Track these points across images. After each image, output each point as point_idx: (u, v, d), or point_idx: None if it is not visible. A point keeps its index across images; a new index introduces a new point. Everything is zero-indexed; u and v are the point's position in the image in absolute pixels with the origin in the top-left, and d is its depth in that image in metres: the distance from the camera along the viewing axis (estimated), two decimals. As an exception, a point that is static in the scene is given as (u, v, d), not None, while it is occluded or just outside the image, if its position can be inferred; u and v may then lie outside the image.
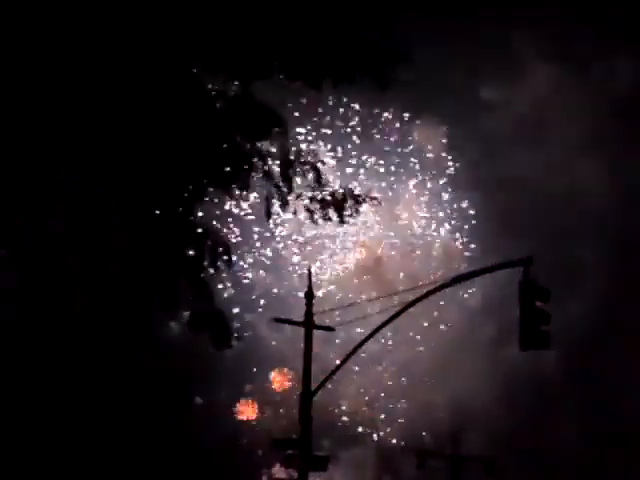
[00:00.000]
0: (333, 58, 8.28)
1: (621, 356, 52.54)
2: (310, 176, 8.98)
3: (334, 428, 60.22)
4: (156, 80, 8.04)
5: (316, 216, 9.23)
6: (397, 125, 57.01)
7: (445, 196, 68.16)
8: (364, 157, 63.69)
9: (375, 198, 9.47)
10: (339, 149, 62.58)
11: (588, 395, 54.06)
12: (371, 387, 60.27)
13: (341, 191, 9.11)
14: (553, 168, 55.72)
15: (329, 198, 8.98)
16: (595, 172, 57.18)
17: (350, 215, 9.08)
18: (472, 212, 67.48)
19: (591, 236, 56.61)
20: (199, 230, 8.86)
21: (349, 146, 62.23)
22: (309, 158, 8.99)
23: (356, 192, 9.24)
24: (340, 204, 8.99)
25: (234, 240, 55.04)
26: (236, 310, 47.48)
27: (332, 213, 9.06)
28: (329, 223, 9.23)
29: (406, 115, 64.77)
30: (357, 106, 45.57)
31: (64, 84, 7.67)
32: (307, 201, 9.14)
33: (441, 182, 67.49)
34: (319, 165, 9.04)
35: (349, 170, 63.51)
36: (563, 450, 53.17)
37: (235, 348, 9.09)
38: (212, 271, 8.94)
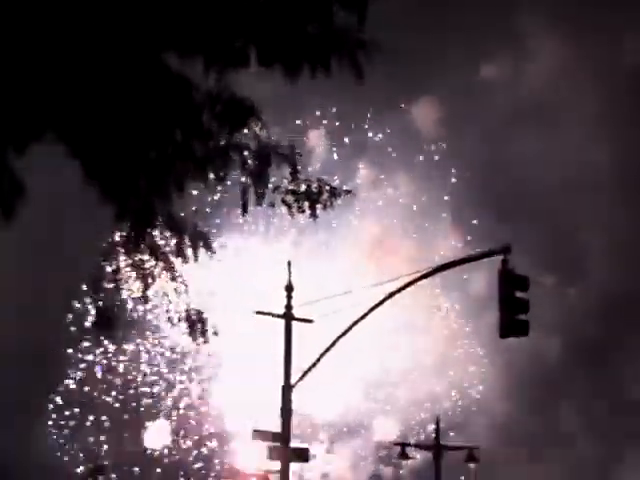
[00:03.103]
0: (308, 44, 8.40)
1: (624, 343, 52.88)
2: (285, 168, 9.12)
3: (331, 420, 60.47)
4: (128, 69, 8.17)
5: (292, 209, 9.39)
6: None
7: (442, 179, 67.72)
8: (359, 138, 63.49)
9: (350, 191, 9.62)
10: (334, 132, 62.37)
11: (591, 382, 54.45)
12: (369, 376, 60.54)
13: (315, 184, 9.24)
14: (557, 150, 55.73)
15: (303, 191, 9.12)
16: (603, 155, 57.20)
17: (324, 208, 9.23)
18: (470, 196, 67.29)
19: (593, 222, 56.79)
20: (178, 219, 9.02)
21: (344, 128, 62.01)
22: (285, 150, 9.13)
23: (332, 185, 9.36)
24: (314, 197, 9.14)
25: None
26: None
27: (306, 206, 9.19)
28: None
29: (401, 95, 64.06)
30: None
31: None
32: (283, 194, 9.30)
33: (437, 164, 67.02)
34: (296, 157, 9.18)
35: (342, 152, 63.24)
36: (565, 437, 53.57)
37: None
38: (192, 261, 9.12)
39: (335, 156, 63.23)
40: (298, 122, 61.65)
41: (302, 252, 61.00)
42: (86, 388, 62.48)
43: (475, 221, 60.43)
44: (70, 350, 62.01)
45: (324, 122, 62.70)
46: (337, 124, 60.85)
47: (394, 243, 62.01)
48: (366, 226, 62.21)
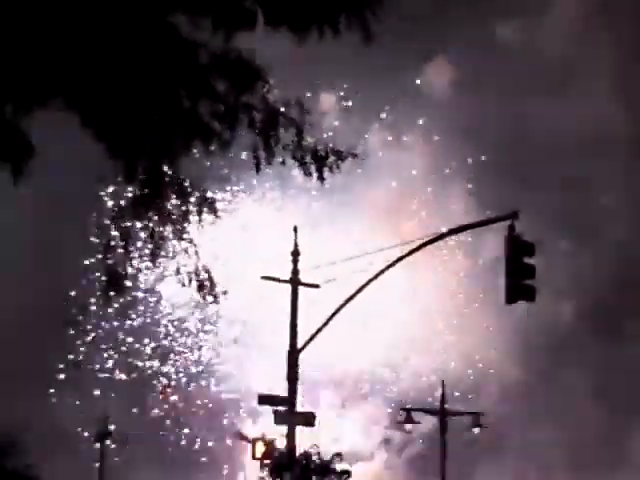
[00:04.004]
0: (316, 5, 8.41)
1: (638, 309, 52.76)
2: (292, 130, 9.16)
3: (343, 384, 60.98)
4: (135, 30, 8.21)
5: (301, 169, 9.46)
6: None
7: (456, 143, 67.49)
8: (373, 100, 63.18)
9: (356, 155, 9.65)
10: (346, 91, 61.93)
11: (604, 348, 54.54)
12: (383, 341, 60.91)
13: (322, 147, 9.27)
14: (573, 115, 55.41)
15: (310, 153, 9.17)
16: (619, 120, 56.85)
17: (331, 171, 9.27)
18: (484, 161, 66.97)
19: (609, 186, 56.67)
20: (185, 184, 9.09)
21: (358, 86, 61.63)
22: (293, 111, 9.16)
23: (338, 149, 9.38)
24: (321, 161, 9.19)
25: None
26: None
27: (313, 169, 9.24)
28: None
29: (415, 56, 63.56)
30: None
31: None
32: (291, 153, 9.35)
33: (452, 128, 66.74)
34: (304, 117, 9.21)
35: (358, 114, 63.09)
36: (577, 405, 53.75)
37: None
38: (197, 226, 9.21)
39: (347, 120, 63.10)
40: (310, 85, 61.54)
41: (314, 218, 61.12)
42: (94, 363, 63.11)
43: (490, 186, 60.35)
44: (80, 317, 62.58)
45: (337, 85, 62.56)
46: (350, 87, 60.70)
47: (406, 209, 61.96)
48: (378, 191, 62.16)
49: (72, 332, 61.85)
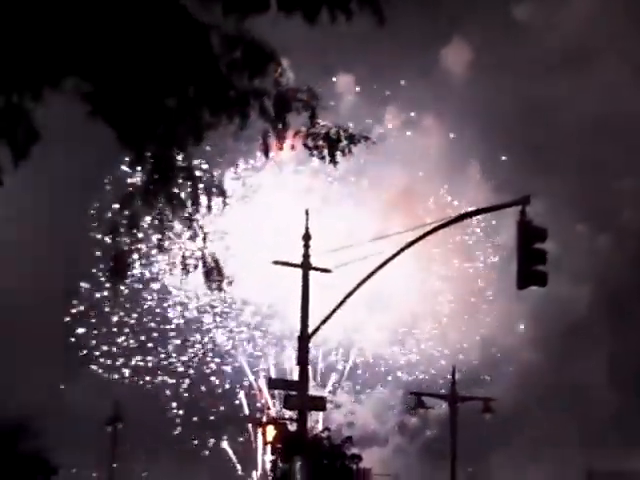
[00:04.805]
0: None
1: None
2: (305, 114, 9.12)
3: (357, 369, 61.30)
4: (145, 13, 8.18)
5: (314, 154, 9.44)
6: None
7: (472, 127, 67.32)
8: (387, 84, 63.16)
9: (369, 138, 9.61)
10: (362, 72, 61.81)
11: (620, 333, 54.54)
12: (399, 326, 61.11)
13: (334, 130, 9.24)
14: (591, 97, 55.03)
15: (322, 137, 9.13)
16: (638, 101, 56.39)
17: (343, 155, 9.25)
18: (501, 143, 66.83)
19: (628, 170, 56.33)
20: (196, 172, 9.06)
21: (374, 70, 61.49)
22: (305, 95, 9.12)
23: (351, 132, 9.36)
24: (333, 143, 9.16)
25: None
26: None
27: (325, 152, 9.22)
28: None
29: (432, 39, 63.68)
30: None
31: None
32: (303, 138, 9.33)
33: (468, 110, 66.64)
34: (316, 102, 9.18)
35: (371, 95, 62.96)
36: (594, 390, 53.76)
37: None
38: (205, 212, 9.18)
39: (363, 102, 62.92)
40: (327, 67, 61.40)
41: (330, 201, 61.09)
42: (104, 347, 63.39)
43: (505, 169, 60.10)
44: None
45: (353, 67, 62.43)
46: (366, 69, 60.55)
47: (421, 192, 61.79)
48: (394, 174, 62.00)
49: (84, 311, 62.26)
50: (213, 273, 8.89)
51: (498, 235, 58.91)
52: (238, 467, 62.60)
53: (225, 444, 62.72)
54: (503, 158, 61.54)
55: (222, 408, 63.16)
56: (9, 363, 53.78)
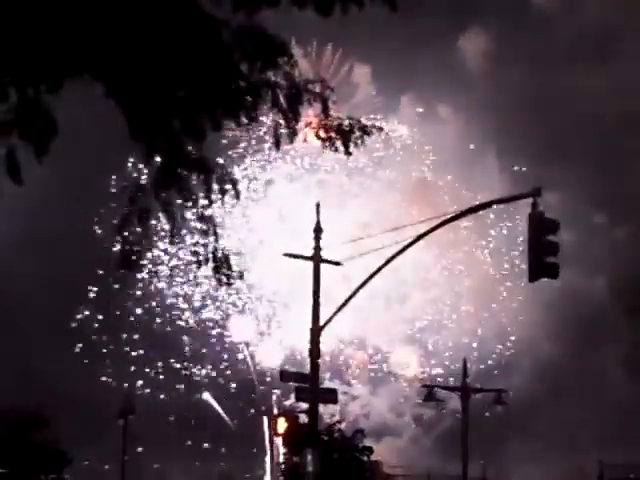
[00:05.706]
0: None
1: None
2: (317, 105, 9.16)
3: (375, 360, 61.33)
4: (157, 5, 8.23)
5: (326, 145, 9.50)
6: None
7: (489, 117, 66.94)
8: (404, 72, 63.03)
9: (381, 129, 9.67)
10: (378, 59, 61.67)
11: (638, 324, 54.29)
12: (412, 319, 61.15)
13: (347, 121, 9.30)
14: (610, 86, 54.86)
15: (335, 128, 9.19)
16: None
17: (356, 146, 9.32)
18: (518, 134, 66.81)
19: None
20: (209, 163, 9.10)
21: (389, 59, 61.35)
22: (317, 87, 9.17)
23: (363, 122, 9.42)
24: (346, 135, 9.21)
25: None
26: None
27: (339, 144, 9.28)
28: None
29: (448, 27, 63.50)
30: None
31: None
32: (315, 130, 9.39)
33: (485, 99, 66.30)
34: (327, 93, 9.22)
35: (387, 85, 62.89)
36: (610, 383, 53.57)
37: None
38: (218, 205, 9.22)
39: (379, 92, 62.81)
40: (343, 57, 61.29)
41: (346, 193, 61.06)
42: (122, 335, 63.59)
43: (523, 159, 59.92)
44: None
45: (370, 57, 62.30)
46: (383, 59, 60.40)
47: (437, 182, 61.69)
48: (409, 166, 61.92)
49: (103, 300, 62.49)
50: (223, 268, 8.93)
51: (516, 225, 58.72)
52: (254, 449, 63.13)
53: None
54: (520, 148, 61.32)
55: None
56: (25, 354, 54.13)
